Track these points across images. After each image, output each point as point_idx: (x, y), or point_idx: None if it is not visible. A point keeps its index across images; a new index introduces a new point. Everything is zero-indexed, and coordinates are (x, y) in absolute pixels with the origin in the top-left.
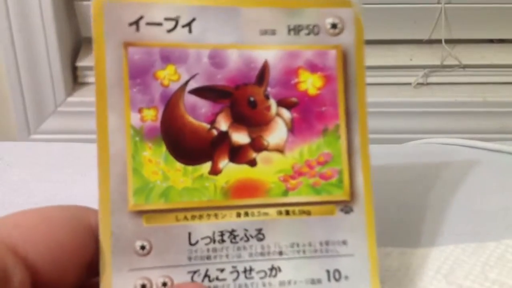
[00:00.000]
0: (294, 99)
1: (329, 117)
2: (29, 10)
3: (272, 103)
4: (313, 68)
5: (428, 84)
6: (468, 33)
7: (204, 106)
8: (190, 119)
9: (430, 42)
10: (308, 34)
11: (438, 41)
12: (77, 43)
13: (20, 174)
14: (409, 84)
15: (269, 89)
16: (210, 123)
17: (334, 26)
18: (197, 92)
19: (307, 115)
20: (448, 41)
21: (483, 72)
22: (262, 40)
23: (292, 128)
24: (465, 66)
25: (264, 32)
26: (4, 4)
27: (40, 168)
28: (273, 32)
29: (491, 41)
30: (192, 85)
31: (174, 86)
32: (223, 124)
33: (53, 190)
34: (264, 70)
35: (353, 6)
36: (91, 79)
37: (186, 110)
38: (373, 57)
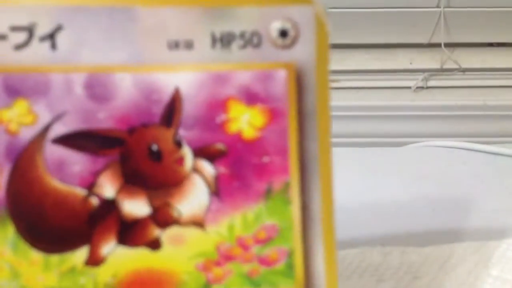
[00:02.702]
0: (220, 146)
1: (274, 171)
2: None
3: (187, 152)
4: (250, 98)
5: (428, 87)
6: (467, 36)
7: (77, 162)
8: (54, 183)
9: (430, 46)
10: (244, 46)
11: (438, 45)
12: None
13: None
14: (409, 87)
15: (181, 131)
16: (87, 187)
17: (283, 33)
18: (66, 140)
19: (240, 169)
20: (448, 45)
21: (483, 75)
22: (171, 57)
23: (217, 190)
24: (465, 70)
25: (174, 45)
26: None
27: None
28: (188, 45)
29: (491, 44)
30: (58, 130)
31: (27, 133)
32: (108, 187)
33: None
34: (173, 104)
35: (312, 2)
36: None
37: (47, 169)
38: (373, 61)
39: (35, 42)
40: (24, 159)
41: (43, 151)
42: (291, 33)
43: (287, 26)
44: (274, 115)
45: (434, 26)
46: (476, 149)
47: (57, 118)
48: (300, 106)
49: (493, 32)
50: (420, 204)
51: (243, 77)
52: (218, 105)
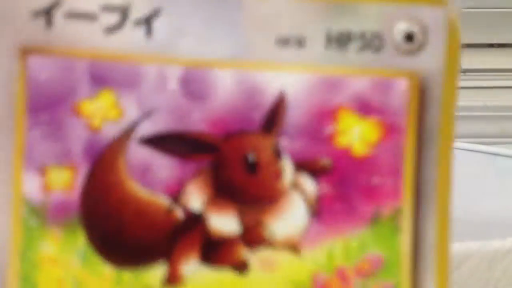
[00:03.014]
0: (325, 161)
1: (385, 195)
2: None
3: (287, 165)
4: (364, 109)
5: None
6: (468, 37)
7: (164, 166)
8: (136, 188)
9: None
10: (362, 49)
11: None
12: None
13: None
14: None
15: (282, 141)
16: (173, 196)
17: (409, 37)
18: (154, 141)
19: (346, 189)
20: None
21: (483, 76)
22: (278, 55)
23: (318, 211)
24: (465, 71)
25: (284, 42)
26: None
27: None
28: (299, 42)
29: (491, 45)
30: (146, 129)
31: (111, 130)
32: (195, 198)
33: None
34: (277, 108)
35: (445, 4)
36: None
37: (129, 172)
38: None
39: (128, 26)
40: (104, 159)
41: (127, 151)
42: (419, 37)
43: (415, 29)
44: (390, 130)
45: None
46: (476, 149)
47: (146, 115)
48: (421, 122)
49: (494, 33)
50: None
51: (359, 84)
52: (327, 114)
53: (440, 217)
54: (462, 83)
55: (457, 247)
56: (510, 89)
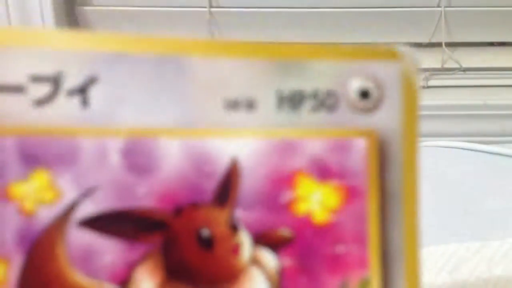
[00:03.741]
0: (285, 232)
1: (351, 264)
2: (30, 16)
3: (244, 239)
4: (322, 173)
5: (428, 87)
6: (468, 36)
7: (109, 251)
8: (78, 278)
9: (431, 45)
10: (316, 109)
11: (439, 44)
12: None
13: None
14: None
15: (238, 212)
16: (120, 283)
17: (365, 94)
18: (95, 223)
19: (309, 261)
20: (449, 44)
21: (483, 75)
22: (228, 120)
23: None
24: (465, 69)
25: (233, 105)
26: (5, 11)
27: None
28: (249, 105)
29: (491, 44)
30: (86, 209)
31: (47, 214)
32: (146, 285)
33: None
34: (230, 177)
35: (400, 58)
36: None
37: (71, 261)
38: None
39: (61, 97)
40: (41, 247)
41: (66, 236)
42: (374, 94)
43: (369, 85)
44: (351, 194)
45: (435, 26)
46: (476, 149)
47: (86, 194)
48: (383, 184)
49: (494, 31)
50: (420, 204)
51: (315, 146)
52: (284, 181)
53: (410, 284)
54: (462, 82)
55: (457, 247)
56: (511, 87)
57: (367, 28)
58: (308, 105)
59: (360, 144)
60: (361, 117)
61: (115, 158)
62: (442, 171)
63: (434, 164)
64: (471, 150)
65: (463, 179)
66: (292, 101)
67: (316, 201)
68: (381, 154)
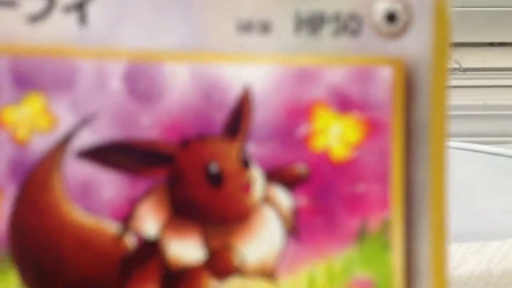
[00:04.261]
0: (301, 168)
1: (371, 205)
2: None
3: (256, 176)
4: (343, 104)
5: None
6: (468, 36)
7: (109, 184)
8: (77, 213)
9: None
10: (338, 33)
11: None
12: None
13: None
14: None
15: (250, 147)
16: (121, 220)
17: (391, 17)
18: (95, 154)
19: (326, 201)
20: None
21: (483, 75)
22: (241, 44)
23: (296, 229)
24: (465, 70)
25: (246, 27)
26: None
27: None
28: (264, 27)
29: (491, 44)
30: (85, 139)
31: (42, 143)
32: (149, 222)
33: None
34: (242, 108)
35: None
36: None
37: (67, 194)
38: None
39: (57, 13)
40: (35, 179)
41: (63, 168)
42: (402, 17)
43: (397, 7)
44: (374, 128)
45: None
46: (476, 149)
47: (85, 122)
48: (409, 117)
49: (494, 32)
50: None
51: (335, 74)
52: (301, 112)
53: (435, 230)
54: (462, 82)
55: (457, 247)
56: (511, 88)
57: None
58: (328, 28)
59: (385, 73)
60: (387, 43)
61: (116, 83)
62: None
63: None
64: (471, 150)
65: (463, 179)
66: (311, 23)
67: (335, 135)
68: (408, 84)
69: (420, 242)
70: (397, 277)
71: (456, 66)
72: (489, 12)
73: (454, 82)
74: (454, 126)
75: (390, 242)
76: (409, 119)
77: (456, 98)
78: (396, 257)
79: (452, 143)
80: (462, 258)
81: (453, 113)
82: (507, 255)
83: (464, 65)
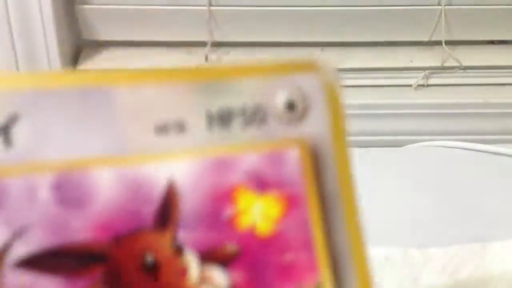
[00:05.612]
0: (231, 247)
1: (302, 270)
2: (29, 14)
3: (190, 260)
4: (260, 185)
5: (428, 85)
6: (468, 34)
7: None
8: None
9: (431, 43)
10: (246, 124)
11: (439, 43)
12: (78, 47)
13: None
14: (410, 86)
15: (181, 234)
16: None
17: (291, 106)
18: (32, 263)
19: (260, 273)
20: (449, 43)
21: (483, 73)
22: (160, 144)
23: None
24: (465, 68)
25: (163, 129)
26: (4, 9)
27: None
28: (180, 127)
29: (491, 42)
30: (20, 250)
31: None
32: None
33: None
34: (169, 200)
35: (320, 69)
36: None
37: None
38: (373, 59)
39: None
40: None
41: (2, 279)
42: (300, 104)
43: (294, 97)
44: (291, 203)
45: (434, 24)
46: (476, 149)
47: (18, 235)
48: (321, 189)
49: (494, 29)
50: (421, 204)
51: (249, 160)
52: (224, 197)
53: (361, 282)
54: (462, 80)
55: (457, 248)
56: (511, 86)
57: (368, 26)
58: (238, 121)
59: (293, 154)
60: (290, 128)
61: (45, 194)
62: (442, 171)
63: (434, 164)
64: (471, 150)
65: (463, 179)
66: (222, 119)
67: (258, 213)
68: (315, 161)
69: None
70: None
71: (456, 64)
72: (489, 10)
73: (454, 80)
74: (454, 125)
75: None
76: (322, 190)
77: (455, 97)
78: None
79: (452, 142)
80: (463, 259)
81: (453, 111)
82: (507, 255)
83: (464, 63)
